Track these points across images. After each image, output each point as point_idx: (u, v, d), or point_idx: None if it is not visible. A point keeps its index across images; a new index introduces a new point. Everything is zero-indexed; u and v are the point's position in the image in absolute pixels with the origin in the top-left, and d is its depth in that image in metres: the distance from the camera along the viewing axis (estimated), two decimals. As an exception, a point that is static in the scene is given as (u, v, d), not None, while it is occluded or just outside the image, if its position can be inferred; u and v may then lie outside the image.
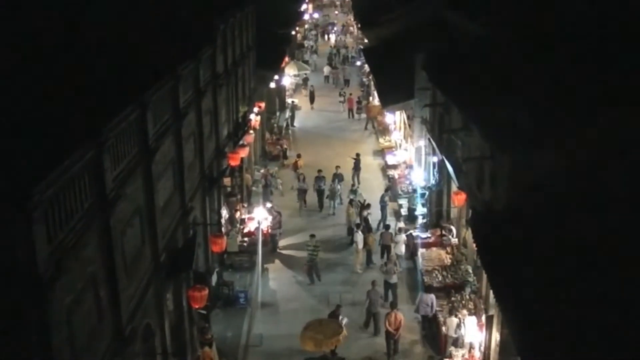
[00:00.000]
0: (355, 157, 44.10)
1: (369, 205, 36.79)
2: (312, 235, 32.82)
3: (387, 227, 34.52)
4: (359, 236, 32.96)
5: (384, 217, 36.96)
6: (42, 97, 16.08)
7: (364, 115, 58.87)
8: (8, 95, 15.45)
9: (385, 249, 33.35)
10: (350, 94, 63.16)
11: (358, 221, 35.22)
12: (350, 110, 60.95)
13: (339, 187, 40.35)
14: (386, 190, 39.80)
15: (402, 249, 33.00)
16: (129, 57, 21.18)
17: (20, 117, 14.22)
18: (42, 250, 11.76)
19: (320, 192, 40.24)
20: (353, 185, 42.22)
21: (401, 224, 35.22)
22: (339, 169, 41.32)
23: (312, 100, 63.27)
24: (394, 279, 29.52)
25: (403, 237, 33.28)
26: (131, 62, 20.89)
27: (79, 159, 13.63)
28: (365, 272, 32.28)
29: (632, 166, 16.52)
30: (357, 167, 43.61)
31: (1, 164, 11.63)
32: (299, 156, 45.36)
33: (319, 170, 40.68)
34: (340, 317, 25.97)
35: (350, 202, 37.56)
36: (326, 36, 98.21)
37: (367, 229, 34.32)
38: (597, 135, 17.57)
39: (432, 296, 26.86)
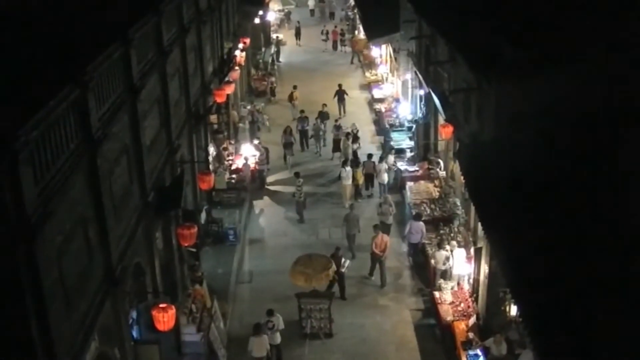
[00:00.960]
0: (338, 87, 44.61)
1: (357, 138, 36.93)
2: (297, 174, 32.81)
3: (369, 155, 34.74)
4: (346, 171, 32.74)
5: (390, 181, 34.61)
6: (25, 37, 15.88)
7: (348, 49, 58.73)
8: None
9: (369, 178, 33.96)
10: (335, 27, 63.81)
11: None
12: (335, 42, 61.23)
13: (322, 126, 39.75)
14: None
15: (385, 177, 33.30)
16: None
17: (2, 59, 14.04)
18: (29, 192, 11.71)
19: (303, 133, 39.74)
20: (338, 118, 42.22)
21: (390, 158, 35.02)
22: (325, 107, 41.00)
23: (298, 36, 62.70)
24: (389, 220, 29.50)
25: (385, 165, 33.46)
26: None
27: (64, 99, 13.50)
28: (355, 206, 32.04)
29: (616, 93, 16.51)
30: (341, 98, 44.19)
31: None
32: (295, 87, 45.12)
33: (302, 111, 40.38)
34: (343, 260, 26.15)
35: (347, 135, 37.15)
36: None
37: (355, 164, 33.95)
38: (583, 65, 17.53)
39: (422, 224, 27.15)
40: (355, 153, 35.60)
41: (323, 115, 40.26)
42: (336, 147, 37.88)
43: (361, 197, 33.42)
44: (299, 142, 39.29)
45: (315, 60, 56.59)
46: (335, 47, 61.20)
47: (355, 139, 37.26)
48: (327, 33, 60.81)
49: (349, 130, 37.96)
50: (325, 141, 39.63)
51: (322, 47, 60.85)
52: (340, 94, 44.26)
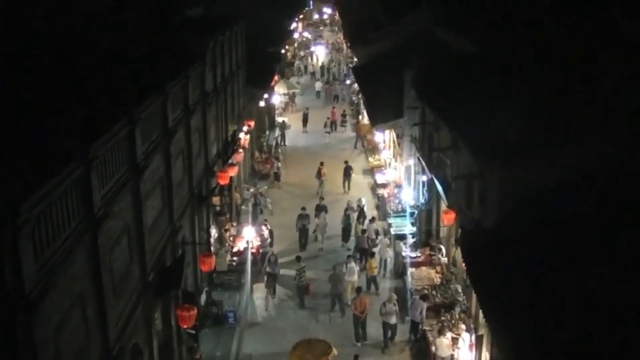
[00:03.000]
0: (344, 163, 46.64)
1: (373, 219, 37.47)
2: (298, 258, 32.64)
3: (363, 231, 35.08)
4: (352, 268, 31.67)
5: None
6: (32, 112, 16.00)
7: (350, 133, 59.75)
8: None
9: (363, 252, 34.25)
10: (333, 107, 65.24)
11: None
12: (334, 122, 62.22)
13: (322, 219, 38.29)
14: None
15: (390, 253, 33.92)
16: (119, 73, 21.16)
17: (8, 133, 14.14)
18: (29, 268, 11.67)
19: (303, 231, 37.64)
20: (344, 192, 44.84)
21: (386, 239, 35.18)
22: (322, 200, 40.22)
23: (305, 122, 62.01)
24: (393, 320, 28.14)
25: (386, 240, 34.15)
26: (120, 79, 20.86)
27: (67, 176, 13.57)
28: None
29: (621, 181, 16.57)
30: (347, 174, 46.09)
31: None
32: (322, 164, 46.18)
33: (303, 208, 38.54)
34: None
35: (358, 218, 37.76)
36: (315, 57, 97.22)
37: (368, 254, 33.63)
38: (585, 152, 17.65)
39: (424, 304, 27.06)
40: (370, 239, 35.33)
41: (320, 209, 38.99)
42: (346, 236, 37.58)
43: (377, 289, 32.12)
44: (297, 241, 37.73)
45: (320, 144, 56.61)
46: (334, 128, 61.84)
47: (362, 214, 38.17)
48: (332, 125, 60.39)
49: (355, 205, 39.23)
50: (324, 236, 38.04)
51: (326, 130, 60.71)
52: (347, 170, 46.11)
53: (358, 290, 29.16)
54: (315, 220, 38.08)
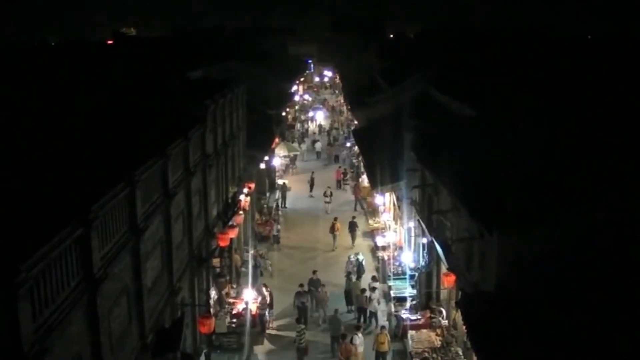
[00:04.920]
0: (351, 218, 48.66)
1: (374, 278, 37.64)
2: (298, 320, 32.46)
3: (362, 290, 35.20)
4: (359, 338, 30.78)
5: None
6: (33, 173, 16.12)
7: (350, 195, 60.13)
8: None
9: (361, 312, 34.69)
10: (339, 166, 67.61)
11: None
12: (338, 181, 64.17)
13: (325, 291, 36.85)
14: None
15: (376, 305, 34.58)
16: (120, 135, 21.34)
17: (10, 192, 14.23)
18: (26, 328, 11.65)
19: (302, 310, 34.97)
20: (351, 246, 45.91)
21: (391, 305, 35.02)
22: (315, 273, 37.94)
23: (311, 187, 61.80)
24: None
25: (377, 295, 34.58)
26: (122, 141, 21.04)
27: (67, 236, 13.60)
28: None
29: (617, 244, 16.62)
30: (352, 229, 47.55)
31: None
32: (335, 219, 47.86)
33: (301, 285, 36.21)
34: None
35: (359, 277, 38.33)
36: (314, 122, 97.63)
37: (364, 312, 34.26)
38: (584, 217, 17.72)
39: None
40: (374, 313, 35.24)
41: (314, 283, 37.13)
42: (349, 300, 37.09)
43: None
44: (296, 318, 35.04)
45: (320, 207, 56.48)
46: (339, 186, 63.34)
47: (360, 269, 39.50)
48: (330, 195, 57.99)
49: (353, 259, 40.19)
50: (325, 311, 36.14)
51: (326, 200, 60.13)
52: (352, 225, 47.69)
53: (343, 336, 30.20)
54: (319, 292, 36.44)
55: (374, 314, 34.34)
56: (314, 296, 36.46)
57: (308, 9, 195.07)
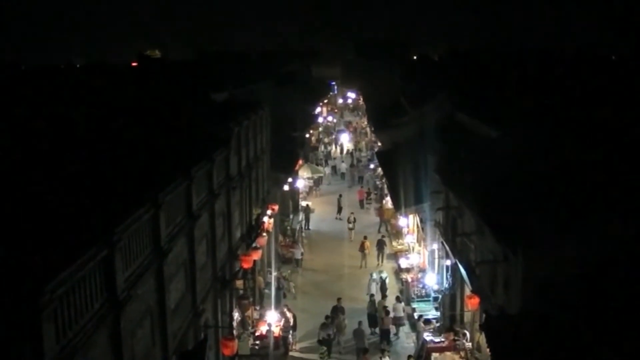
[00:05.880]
0: (381, 237, 50.09)
1: (399, 298, 37.94)
2: (320, 341, 32.32)
3: (387, 312, 35.61)
4: None
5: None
6: (57, 194, 16.21)
7: (374, 217, 60.06)
8: (23, 191, 15.61)
9: (385, 335, 35.29)
10: (361, 187, 70.12)
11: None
12: (361, 201, 65.24)
13: (344, 319, 36.11)
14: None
15: (401, 312, 36.51)
16: (145, 157, 21.44)
17: (34, 214, 14.32)
18: (50, 350, 11.67)
19: (327, 343, 33.46)
20: (378, 263, 47.23)
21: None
22: (340, 301, 37.34)
23: (340, 210, 61.83)
24: None
25: (402, 305, 36.15)
26: (147, 163, 21.13)
27: (91, 258, 13.65)
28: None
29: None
30: (380, 247, 48.45)
31: (13, 261, 11.65)
32: (365, 237, 49.03)
33: (327, 317, 35.04)
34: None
35: (384, 297, 38.84)
36: (338, 146, 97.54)
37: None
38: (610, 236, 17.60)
39: None
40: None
41: (338, 310, 36.36)
42: (373, 322, 36.87)
43: None
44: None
45: (344, 229, 56.29)
46: (362, 206, 64.46)
47: (383, 286, 40.06)
48: (353, 221, 56.82)
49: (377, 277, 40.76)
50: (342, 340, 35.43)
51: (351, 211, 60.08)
52: (380, 244, 48.59)
53: (365, 350, 31.70)
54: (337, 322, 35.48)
55: (399, 319, 35.99)
56: (335, 324, 35.52)
57: (333, 32, 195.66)
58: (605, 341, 15.50)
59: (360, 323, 34.31)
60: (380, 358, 30.89)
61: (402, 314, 36.53)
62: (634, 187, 18.99)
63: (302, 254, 48.29)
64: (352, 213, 56.81)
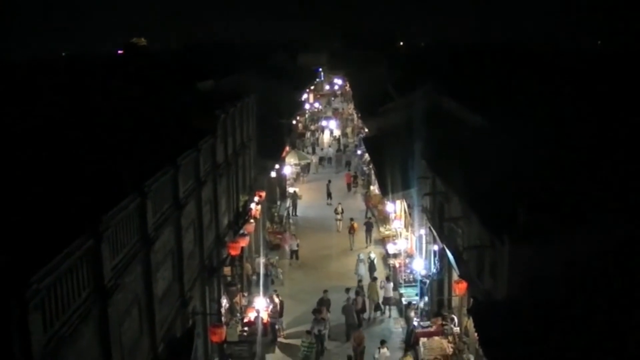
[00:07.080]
0: (367, 219, 52.56)
1: (388, 278, 39.04)
2: (308, 332, 32.17)
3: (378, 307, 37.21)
4: (379, 353, 30.64)
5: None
6: (42, 185, 16.17)
7: (361, 204, 60.26)
8: (9, 182, 15.56)
9: (378, 307, 37.25)
10: (349, 170, 72.96)
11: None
12: (349, 184, 67.20)
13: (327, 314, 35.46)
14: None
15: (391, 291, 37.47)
16: (130, 146, 21.38)
17: (19, 205, 14.27)
18: (37, 340, 11.65)
19: (319, 337, 32.65)
20: (366, 245, 48.31)
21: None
22: (326, 292, 36.50)
23: (329, 195, 61.82)
24: None
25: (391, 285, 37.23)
26: (133, 151, 21.08)
27: (78, 248, 13.62)
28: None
29: (632, 254, 16.56)
30: (368, 229, 49.97)
31: (-1, 252, 11.63)
32: (352, 219, 50.48)
33: (314, 311, 34.21)
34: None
35: (374, 279, 38.90)
36: (325, 132, 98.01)
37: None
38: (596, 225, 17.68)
39: None
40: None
41: (324, 303, 35.57)
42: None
43: None
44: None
45: (331, 215, 56.10)
46: (349, 189, 66.54)
47: (372, 267, 41.40)
48: (341, 212, 55.86)
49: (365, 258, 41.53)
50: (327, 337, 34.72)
51: (338, 196, 61.45)
52: (369, 226, 50.35)
53: (359, 325, 34.08)
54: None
55: (388, 300, 37.04)
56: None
57: (319, 21, 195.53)
58: (590, 325, 15.60)
59: (348, 299, 35.07)
60: (379, 349, 30.85)
61: (391, 294, 37.36)
62: (619, 174, 19.07)
63: (298, 245, 46.56)
64: (339, 204, 56.16)
